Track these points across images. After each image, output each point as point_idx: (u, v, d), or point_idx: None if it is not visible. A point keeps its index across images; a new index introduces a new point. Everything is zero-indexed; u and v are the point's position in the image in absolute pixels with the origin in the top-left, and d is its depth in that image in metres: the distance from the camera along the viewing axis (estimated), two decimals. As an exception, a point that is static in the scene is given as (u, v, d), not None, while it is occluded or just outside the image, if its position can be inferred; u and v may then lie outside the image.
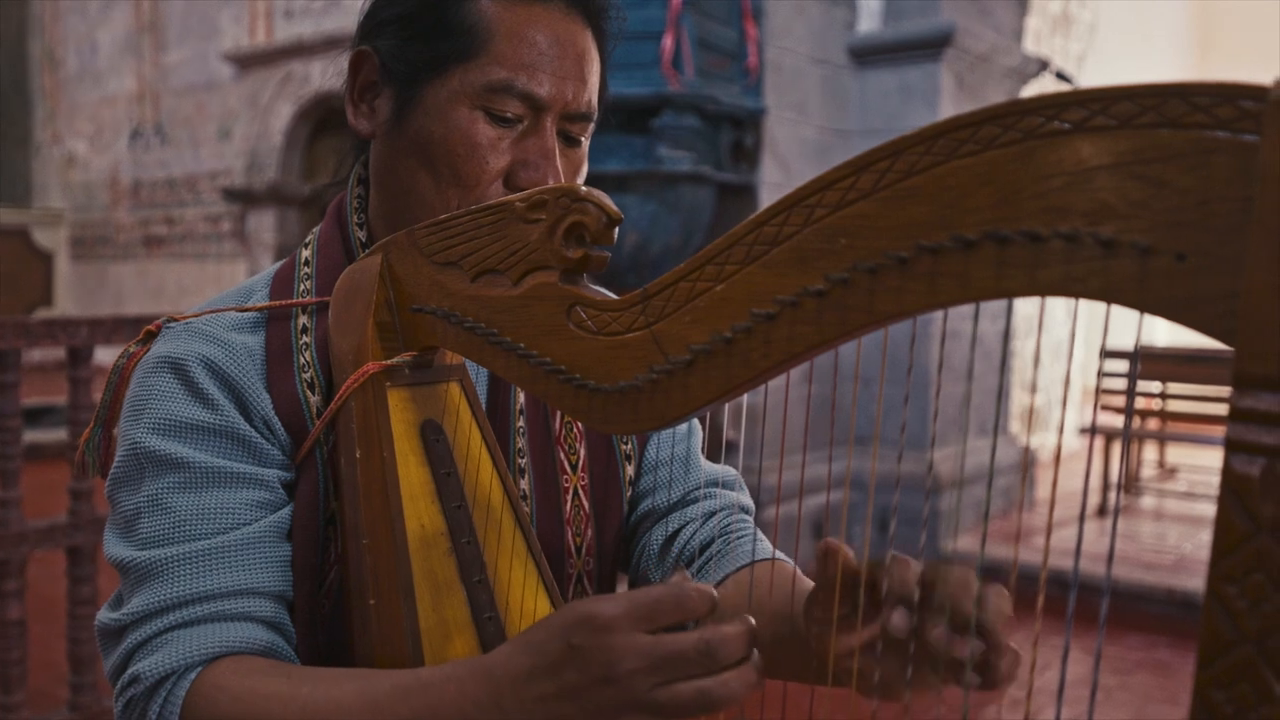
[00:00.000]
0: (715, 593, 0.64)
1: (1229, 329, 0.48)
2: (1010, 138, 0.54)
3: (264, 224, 8.17)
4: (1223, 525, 0.48)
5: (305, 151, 8.17)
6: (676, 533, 0.98)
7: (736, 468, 1.04)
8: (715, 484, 1.02)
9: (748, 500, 1.03)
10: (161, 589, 0.78)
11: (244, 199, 8.23)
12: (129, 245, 9.74)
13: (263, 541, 0.81)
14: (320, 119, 7.97)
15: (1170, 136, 0.50)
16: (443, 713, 0.67)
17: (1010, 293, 0.55)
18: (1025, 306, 6.37)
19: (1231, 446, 0.48)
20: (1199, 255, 0.49)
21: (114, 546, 0.82)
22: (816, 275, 0.61)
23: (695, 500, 0.99)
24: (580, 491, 0.94)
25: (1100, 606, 4.30)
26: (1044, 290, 0.54)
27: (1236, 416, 0.48)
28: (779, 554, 0.94)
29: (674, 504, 0.99)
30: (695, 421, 1.04)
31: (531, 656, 0.65)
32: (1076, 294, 0.53)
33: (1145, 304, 0.51)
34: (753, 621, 0.63)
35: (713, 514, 0.99)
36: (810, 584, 0.83)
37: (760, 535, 0.98)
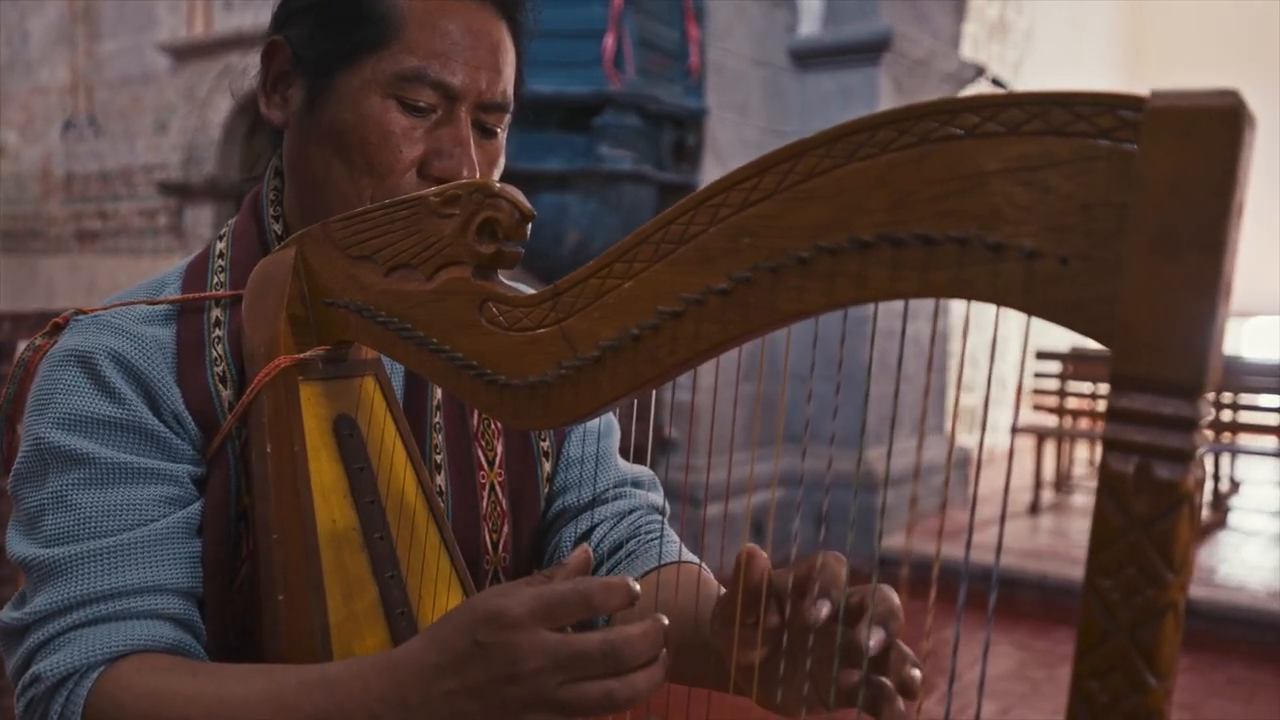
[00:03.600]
0: (631, 584, 0.64)
1: (1107, 331, 0.50)
2: (905, 142, 0.55)
3: (201, 218, 8.02)
4: (1099, 521, 0.50)
5: (244, 146, 8.02)
6: (588, 532, 0.98)
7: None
8: (630, 483, 1.02)
9: (661, 500, 1.03)
10: (66, 587, 0.76)
11: (180, 193, 8.07)
12: (61, 239, 9.50)
13: (171, 538, 0.79)
14: (260, 113, 7.83)
15: (1055, 144, 0.51)
16: (348, 708, 0.66)
17: (904, 294, 0.56)
18: (959, 307, 6.47)
19: (1108, 445, 0.50)
20: (1080, 259, 0.50)
21: (17, 544, 0.80)
22: (721, 274, 0.62)
23: (609, 500, 0.99)
24: (497, 488, 0.94)
25: (1022, 600, 4.37)
26: (936, 292, 0.55)
27: (1113, 416, 0.50)
28: (688, 555, 0.95)
29: (587, 503, 0.99)
30: (613, 421, 1.04)
31: (437, 653, 0.65)
32: (967, 296, 0.54)
33: (1031, 306, 0.52)
34: (665, 621, 0.64)
35: (626, 514, 0.99)
36: (716, 586, 0.84)
37: (671, 536, 0.98)
